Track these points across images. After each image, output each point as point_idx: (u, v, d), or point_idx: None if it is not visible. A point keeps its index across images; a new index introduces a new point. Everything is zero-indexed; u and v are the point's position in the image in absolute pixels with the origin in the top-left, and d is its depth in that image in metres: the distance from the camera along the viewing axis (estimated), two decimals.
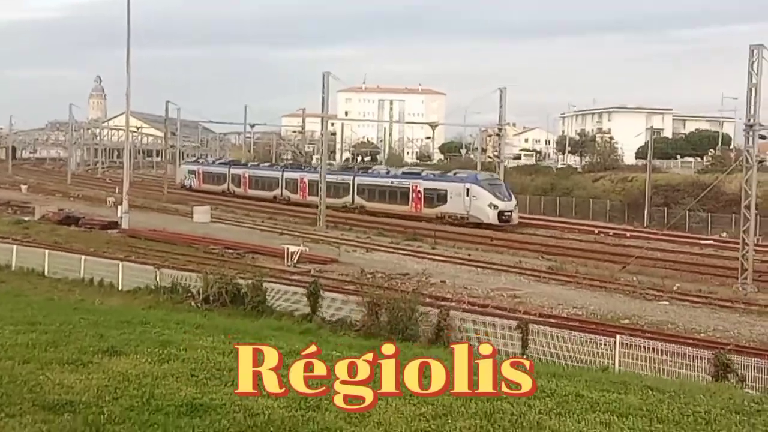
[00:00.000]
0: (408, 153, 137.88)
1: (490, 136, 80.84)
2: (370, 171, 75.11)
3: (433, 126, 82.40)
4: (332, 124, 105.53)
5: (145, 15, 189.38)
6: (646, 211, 65.36)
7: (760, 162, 55.13)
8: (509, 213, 59.46)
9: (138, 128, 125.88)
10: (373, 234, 53.49)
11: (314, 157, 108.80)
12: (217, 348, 13.82)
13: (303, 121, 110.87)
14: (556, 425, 10.07)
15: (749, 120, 38.64)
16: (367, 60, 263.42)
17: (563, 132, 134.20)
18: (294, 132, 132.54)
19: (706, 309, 31.67)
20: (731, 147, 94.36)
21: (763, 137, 47.04)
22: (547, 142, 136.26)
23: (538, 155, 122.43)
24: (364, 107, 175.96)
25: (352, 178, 70.92)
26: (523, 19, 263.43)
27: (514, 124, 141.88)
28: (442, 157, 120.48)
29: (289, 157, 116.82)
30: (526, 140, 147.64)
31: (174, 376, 10.82)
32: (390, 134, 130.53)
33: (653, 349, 20.97)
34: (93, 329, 14.31)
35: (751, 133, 38.83)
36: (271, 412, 9.41)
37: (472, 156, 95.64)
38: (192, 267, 34.06)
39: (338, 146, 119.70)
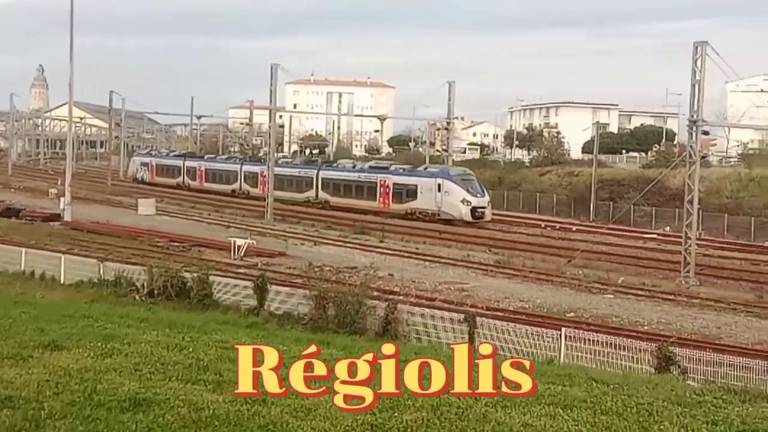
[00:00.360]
0: (357, 146, 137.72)
1: (438, 129, 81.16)
2: (335, 165, 72.32)
3: (382, 119, 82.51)
4: (280, 117, 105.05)
5: (89, 3, 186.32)
6: (591, 206, 66.18)
7: (703, 157, 56.13)
8: (482, 209, 58.00)
9: (81, 119, 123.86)
10: (321, 227, 53.36)
11: (262, 149, 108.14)
12: (162, 342, 13.65)
13: (251, 114, 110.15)
14: (502, 417, 10.13)
15: (692, 116, 39.27)
16: (316, 52, 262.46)
17: (511, 126, 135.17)
18: (242, 124, 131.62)
19: (649, 302, 32.18)
20: (675, 142, 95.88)
21: (705, 133, 47.96)
22: (495, 136, 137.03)
23: (486, 149, 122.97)
24: (312, 100, 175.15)
25: (315, 172, 68.76)
26: (472, 12, 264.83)
27: (462, 118, 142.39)
28: (390, 150, 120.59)
29: (237, 149, 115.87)
30: (475, 134, 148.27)
31: (117, 371, 10.67)
32: (339, 127, 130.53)
33: (598, 341, 21.16)
34: (34, 323, 14.05)
35: (694, 129, 39.46)
36: (216, 407, 9.31)
37: (420, 149, 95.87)
38: (136, 260, 33.62)
39: (286, 139, 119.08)
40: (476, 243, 47.67)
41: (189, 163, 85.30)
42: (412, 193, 60.34)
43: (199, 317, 20.93)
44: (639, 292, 33.93)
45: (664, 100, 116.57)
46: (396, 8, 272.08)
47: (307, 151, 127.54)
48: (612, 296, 33.02)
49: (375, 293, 27.46)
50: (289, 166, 73.65)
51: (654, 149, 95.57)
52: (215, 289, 27.34)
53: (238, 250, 39.17)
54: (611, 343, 20.97)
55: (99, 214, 55.16)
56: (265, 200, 62.28)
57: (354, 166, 68.73)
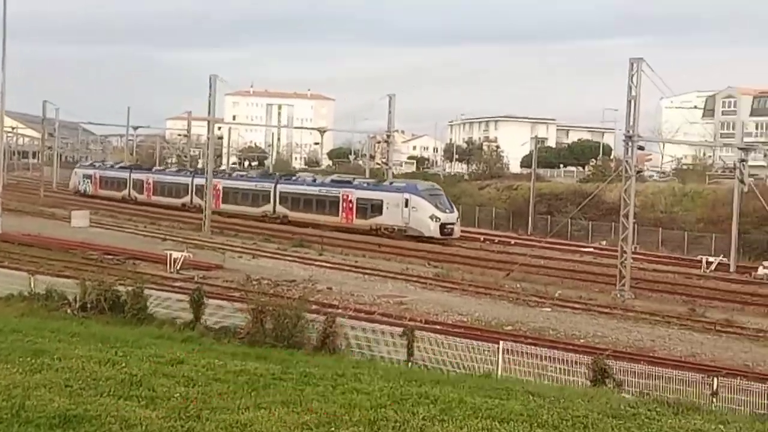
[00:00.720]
0: (296, 158, 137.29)
1: (378, 142, 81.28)
2: (294, 178, 69.20)
3: (322, 131, 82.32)
4: (219, 128, 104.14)
5: (22, 11, 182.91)
6: (530, 219, 66.79)
7: (639, 172, 57.03)
8: (451, 225, 56.50)
9: (13, 128, 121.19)
10: (260, 240, 52.96)
11: (200, 161, 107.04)
12: (94, 357, 13.39)
13: (188, 125, 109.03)
14: (439, 431, 10.13)
15: (628, 131, 39.89)
16: (256, 64, 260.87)
17: (451, 140, 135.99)
18: (179, 135, 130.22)
19: (586, 315, 32.50)
20: (611, 157, 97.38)
21: (641, 148, 48.67)
22: (436, 150, 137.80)
23: (426, 162, 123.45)
24: (252, 111, 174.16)
25: (273, 185, 66.12)
26: (412, 26, 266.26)
27: (402, 131, 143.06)
28: (330, 163, 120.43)
29: (174, 160, 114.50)
30: (415, 147, 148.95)
31: (47, 387, 10.44)
32: (278, 139, 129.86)
33: (535, 354, 21.31)
34: None
35: (630, 144, 40.06)
36: (149, 423, 9.15)
37: (360, 162, 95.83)
38: (69, 273, 32.86)
39: (225, 150, 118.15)
40: (415, 256, 47.75)
41: (136, 175, 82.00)
42: (377, 208, 58.40)
43: (133, 331, 20.59)
44: (576, 306, 34.26)
45: (601, 115, 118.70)
46: (336, 22, 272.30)
47: (246, 163, 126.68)
48: (549, 309, 33.28)
49: (314, 306, 27.37)
50: (243, 179, 71.16)
51: (591, 164, 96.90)
52: (150, 302, 26.87)
53: (174, 263, 38.61)
54: (548, 356, 21.12)
55: (31, 226, 53.94)
56: (218, 213, 61.68)
57: (314, 180, 66.02)
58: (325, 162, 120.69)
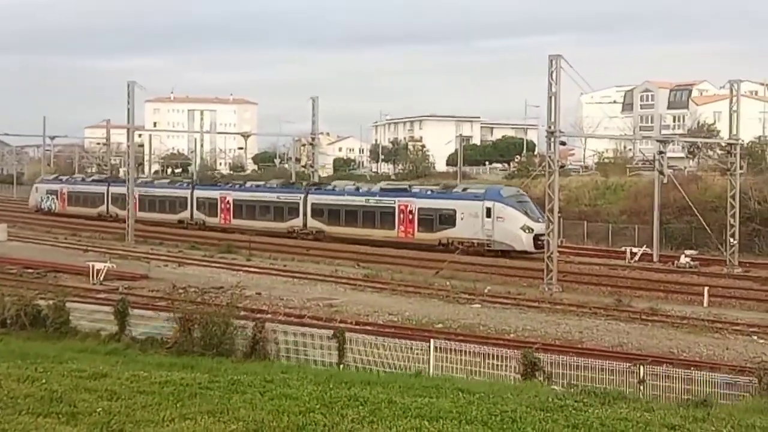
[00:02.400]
0: (221, 164, 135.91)
1: (303, 145, 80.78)
2: (328, 187, 60.47)
3: (246, 136, 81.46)
4: (140, 136, 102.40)
5: None
6: None
7: (562, 167, 57.91)
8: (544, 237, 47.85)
9: None
10: (185, 248, 52.24)
11: (121, 169, 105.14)
12: (12, 374, 12.99)
13: (108, 133, 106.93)
14: None
15: (550, 127, 40.36)
16: (176, 70, 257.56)
17: (376, 140, 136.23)
18: (98, 144, 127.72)
19: (515, 310, 32.76)
20: (535, 153, 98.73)
21: (563, 143, 49.45)
22: (361, 151, 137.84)
23: (352, 163, 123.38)
24: (173, 118, 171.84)
25: (302, 196, 58.26)
26: (336, 29, 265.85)
27: (328, 134, 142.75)
28: (256, 167, 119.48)
29: (94, 169, 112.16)
30: (340, 149, 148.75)
31: None
32: (201, 145, 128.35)
33: (466, 351, 21.38)
34: None
35: (552, 140, 40.53)
36: None
37: (286, 166, 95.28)
38: None
39: (146, 158, 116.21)
40: (344, 258, 47.62)
41: (115, 189, 71.93)
42: (447, 219, 50.33)
43: (54, 346, 20.09)
44: (505, 301, 34.51)
45: (524, 112, 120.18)
46: (258, 26, 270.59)
47: (169, 170, 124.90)
48: (479, 306, 33.47)
49: (242, 313, 27.07)
50: (261, 190, 62.99)
51: (515, 160, 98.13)
52: (73, 316, 26.27)
53: (98, 275, 37.80)
54: (479, 353, 21.21)
55: None
56: (228, 230, 58.24)
57: (358, 189, 57.70)
58: (251, 167, 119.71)
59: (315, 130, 67.52)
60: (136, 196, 68.28)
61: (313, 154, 70.57)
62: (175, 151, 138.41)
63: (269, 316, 28.06)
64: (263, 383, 13.68)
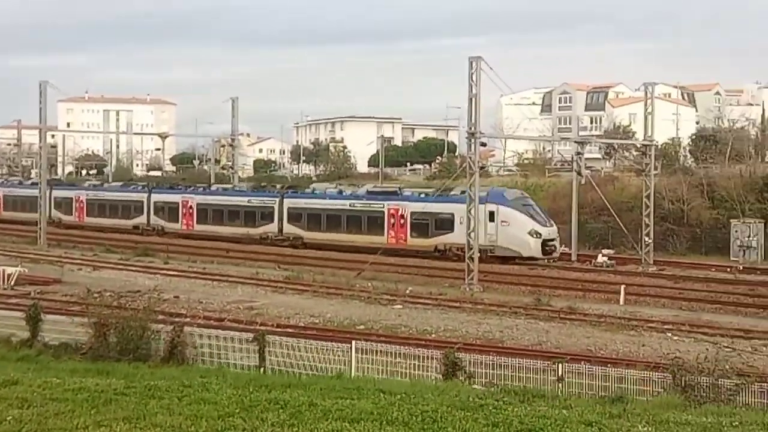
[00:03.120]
0: (137, 165, 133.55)
1: (223, 146, 79.94)
2: (307, 190, 57.99)
3: (164, 137, 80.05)
4: (52, 136, 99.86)
5: None
6: None
7: (482, 168, 58.38)
8: (553, 242, 46.49)
9: None
10: (100, 251, 51.17)
11: (33, 171, 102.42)
12: None
13: (18, 133, 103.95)
14: None
15: (471, 128, 40.70)
16: (91, 69, 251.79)
17: (297, 141, 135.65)
18: (9, 145, 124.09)
19: (436, 310, 32.87)
20: (456, 154, 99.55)
21: (483, 144, 49.80)
22: (282, 152, 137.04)
23: (273, 165, 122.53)
24: (88, 118, 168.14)
25: (278, 199, 55.61)
26: (256, 28, 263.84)
27: (248, 134, 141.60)
28: (174, 168, 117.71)
29: (4, 171, 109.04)
30: (261, 150, 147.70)
31: None
32: (117, 146, 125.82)
33: (388, 352, 21.32)
34: None
35: (472, 141, 40.88)
36: None
37: (205, 167, 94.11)
38: None
39: (60, 159, 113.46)
40: (265, 260, 47.25)
41: (61, 192, 68.63)
42: (444, 223, 47.76)
43: None
44: (426, 301, 34.61)
45: (445, 113, 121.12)
46: (175, 26, 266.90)
47: (84, 172, 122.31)
48: (401, 306, 33.50)
49: (160, 317, 26.55)
50: (228, 194, 60.32)
51: (437, 161, 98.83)
52: None
53: (8, 279, 36.67)
54: (401, 353, 21.18)
55: None
56: (193, 237, 55.20)
57: (341, 192, 55.03)
58: (169, 168, 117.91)
59: (235, 131, 66.94)
60: (84, 200, 66.73)
61: (233, 155, 69.91)
62: (90, 152, 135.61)
63: (188, 319, 27.61)
64: (181, 388, 13.51)
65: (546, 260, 45.47)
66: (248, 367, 21.62)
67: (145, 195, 63.31)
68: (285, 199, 55.25)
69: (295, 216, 54.15)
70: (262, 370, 21.57)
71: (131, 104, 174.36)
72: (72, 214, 67.45)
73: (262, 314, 30.91)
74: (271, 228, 54.84)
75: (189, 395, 12.73)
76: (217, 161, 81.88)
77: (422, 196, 50.99)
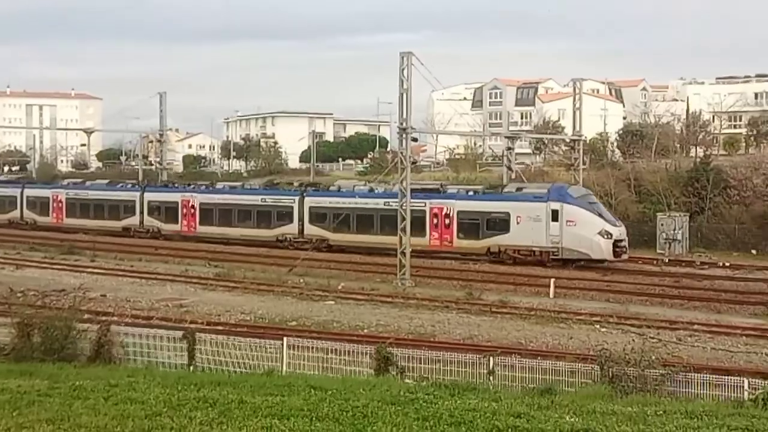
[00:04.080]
0: (62, 161, 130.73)
1: (151, 142, 78.76)
2: (332, 188, 53.08)
3: (89, 132, 78.57)
4: None
5: None
6: None
7: (414, 163, 58.67)
8: (624, 243, 42.87)
9: None
10: (24, 249, 49.98)
11: None
12: None
13: None
14: None
15: (402, 123, 40.80)
16: (12, 63, 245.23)
17: (227, 137, 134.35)
18: None
19: (369, 305, 32.91)
20: (388, 149, 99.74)
21: (415, 140, 49.99)
22: (212, 148, 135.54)
23: (203, 161, 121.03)
24: (9, 113, 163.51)
25: (297, 198, 51.57)
26: (184, 23, 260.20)
27: (177, 130, 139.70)
28: (100, 165, 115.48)
29: None
30: (190, 146, 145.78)
31: None
32: (41, 142, 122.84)
33: (320, 348, 21.24)
34: None
35: (404, 136, 40.99)
36: None
37: (133, 163, 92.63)
38: None
39: None
40: (195, 257, 46.72)
41: (31, 191, 65.57)
42: (498, 224, 44.27)
43: None
44: (359, 297, 34.65)
45: (377, 109, 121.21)
46: (98, 19, 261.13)
47: (6, 168, 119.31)
48: (333, 302, 33.48)
49: (86, 316, 26.06)
50: (240, 192, 56.72)
51: (369, 156, 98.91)
52: None
53: None
54: (333, 349, 21.11)
55: None
56: (201, 240, 51.53)
57: (372, 190, 50.81)
58: (95, 164, 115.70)
59: (163, 127, 66.10)
60: (63, 200, 62.58)
61: (161, 150, 68.94)
62: (12, 148, 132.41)
63: (115, 318, 27.16)
64: (107, 388, 13.31)
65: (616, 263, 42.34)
66: (177, 366, 21.32)
67: (138, 194, 59.11)
68: (306, 198, 51.31)
69: (318, 216, 50.07)
70: (191, 368, 21.28)
71: (55, 99, 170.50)
72: (48, 215, 63.30)
73: (192, 312, 30.63)
74: (290, 229, 50.95)
75: (115, 395, 12.55)
76: (145, 157, 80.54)
77: (470, 193, 47.40)
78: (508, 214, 43.79)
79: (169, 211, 56.81)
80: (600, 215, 42.95)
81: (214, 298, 34.11)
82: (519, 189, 45.63)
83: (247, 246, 50.01)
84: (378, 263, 43.68)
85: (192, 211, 55.33)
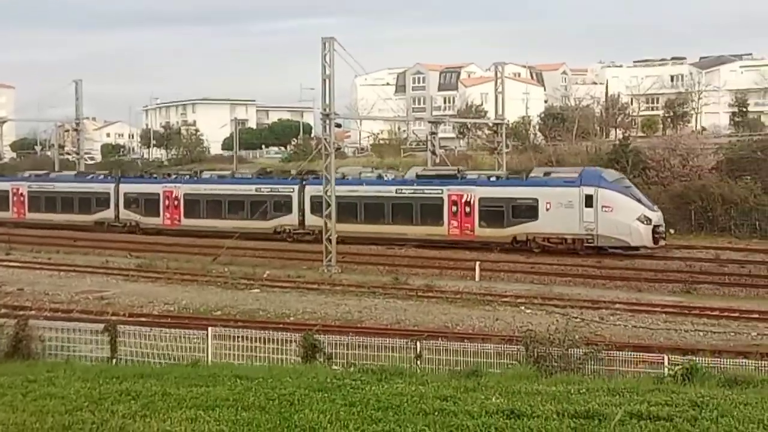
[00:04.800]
0: None
1: (67, 131, 76.84)
2: (336, 175, 44.80)
3: (1, 122, 76.33)
4: None
5: None
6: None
7: (338, 149, 58.57)
8: (661, 228, 40.90)
9: None
10: None
11: None
12: None
13: None
14: (141, 427, 9.97)
15: (325, 109, 40.65)
16: None
17: (147, 125, 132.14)
18: None
19: (295, 293, 32.78)
20: (312, 135, 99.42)
21: (339, 125, 49.84)
22: (131, 136, 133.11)
23: (122, 149, 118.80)
24: None
25: (296, 187, 48.79)
26: (100, 7, 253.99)
27: (94, 119, 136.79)
28: (15, 155, 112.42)
29: None
30: (108, 135, 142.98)
31: None
32: None
33: (246, 337, 21.04)
34: None
35: (327, 122, 40.87)
36: None
37: (48, 153, 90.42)
38: None
39: None
40: (115, 248, 45.87)
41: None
42: (525, 210, 42.24)
43: None
44: (285, 284, 34.49)
45: (300, 95, 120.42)
46: (6, 2, 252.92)
47: None
48: (259, 290, 33.29)
49: (3, 311, 25.44)
50: (230, 181, 53.08)
51: (293, 143, 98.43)
52: None
53: None
54: (259, 338, 20.95)
55: None
56: (186, 234, 47.77)
57: (381, 177, 48.72)
58: (9, 155, 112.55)
59: (79, 115, 64.56)
60: (24, 194, 58.75)
61: (78, 140, 67.39)
62: None
63: (33, 312, 26.50)
64: (26, 384, 13.05)
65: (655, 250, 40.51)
66: (99, 359, 20.91)
67: (112, 185, 55.68)
68: (307, 186, 48.07)
69: (317, 206, 45.09)
70: (114, 361, 20.89)
71: None
72: (8, 210, 59.46)
73: (114, 304, 30.19)
74: (289, 220, 48.03)
75: (34, 391, 12.31)
76: (61, 147, 78.54)
77: (492, 179, 44.98)
78: (536, 200, 41.90)
79: (148, 203, 53.66)
80: (638, 200, 41.24)
81: (137, 290, 33.59)
82: (547, 174, 43.96)
83: (243, 239, 45.68)
84: (304, 250, 43.53)
85: (175, 203, 52.34)
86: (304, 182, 48.73)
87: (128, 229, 53.46)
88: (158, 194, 53.23)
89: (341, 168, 52.56)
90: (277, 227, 48.68)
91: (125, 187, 55.30)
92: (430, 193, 43.73)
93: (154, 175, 58.82)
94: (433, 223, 43.11)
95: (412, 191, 45.29)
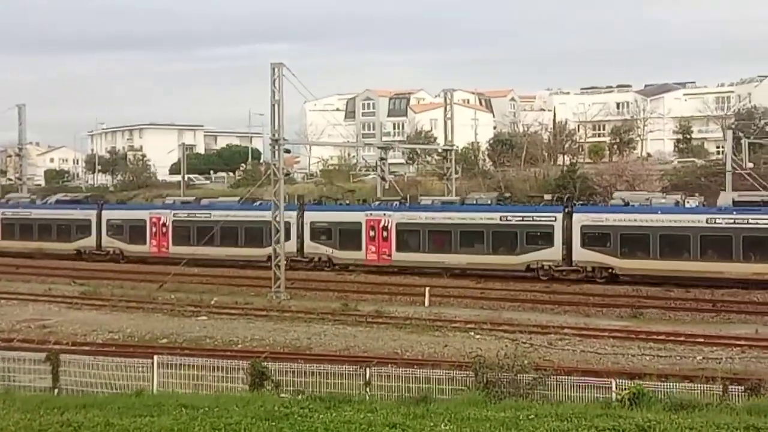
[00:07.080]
0: None
1: (10, 156, 75.50)
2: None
3: None
4: None
5: None
6: None
7: (287, 174, 58.27)
8: None
9: None
10: None
11: None
12: None
13: None
14: None
15: (274, 135, 40.46)
16: None
17: (92, 150, 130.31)
18: None
19: (243, 320, 32.39)
20: (261, 161, 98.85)
21: (288, 151, 49.57)
22: (76, 161, 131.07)
23: (66, 175, 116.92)
24: None
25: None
26: (39, 32, 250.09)
27: (38, 143, 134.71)
28: None
29: None
30: (52, 160, 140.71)
31: None
32: None
33: (192, 365, 20.68)
34: None
35: (276, 148, 40.66)
36: None
37: None
38: None
39: None
40: (58, 275, 45.02)
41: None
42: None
43: None
44: (233, 311, 34.09)
45: (249, 120, 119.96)
46: None
47: None
48: (206, 318, 32.83)
49: None
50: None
51: (241, 168, 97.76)
52: None
53: None
54: (206, 366, 20.61)
55: None
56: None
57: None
58: None
59: (22, 140, 63.53)
60: None
61: (21, 165, 66.27)
62: None
63: None
64: None
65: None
66: (41, 389, 20.37)
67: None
68: (306, 213, 47.09)
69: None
70: (56, 391, 20.37)
71: None
72: None
73: (56, 332, 29.60)
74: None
75: None
76: (3, 172, 77.13)
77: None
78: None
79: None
80: None
81: (80, 317, 32.94)
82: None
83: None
84: (251, 276, 43.12)
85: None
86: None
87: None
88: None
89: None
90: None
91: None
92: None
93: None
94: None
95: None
